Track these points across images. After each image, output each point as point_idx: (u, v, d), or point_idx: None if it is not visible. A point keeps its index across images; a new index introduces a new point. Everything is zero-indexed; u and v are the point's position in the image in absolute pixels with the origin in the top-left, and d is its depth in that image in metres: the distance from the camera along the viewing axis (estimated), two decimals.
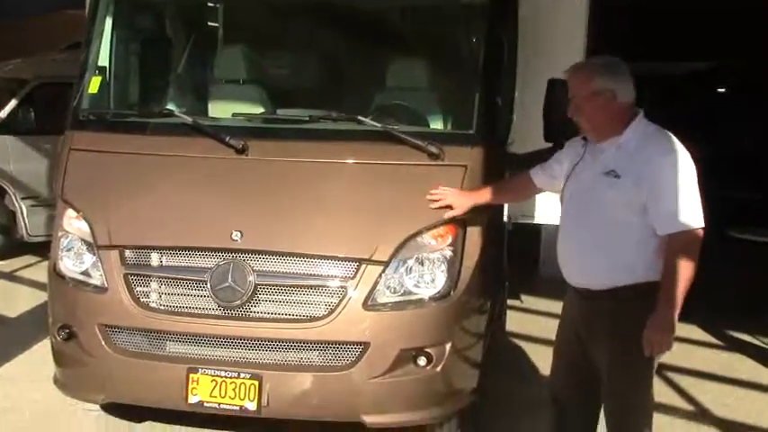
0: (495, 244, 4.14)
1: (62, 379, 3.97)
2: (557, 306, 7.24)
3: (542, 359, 5.69)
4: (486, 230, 3.90)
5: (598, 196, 3.15)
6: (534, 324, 6.41)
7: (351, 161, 3.86)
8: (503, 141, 4.40)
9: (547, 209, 7.03)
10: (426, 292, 3.65)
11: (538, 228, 7.55)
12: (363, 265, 3.59)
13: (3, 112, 8.44)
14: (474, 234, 3.82)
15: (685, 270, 2.99)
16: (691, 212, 3.01)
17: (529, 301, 7.10)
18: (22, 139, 8.36)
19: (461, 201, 3.68)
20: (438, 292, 3.66)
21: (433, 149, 3.75)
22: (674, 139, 3.12)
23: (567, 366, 3.45)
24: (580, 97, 3.17)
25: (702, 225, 3.04)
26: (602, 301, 3.18)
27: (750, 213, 9.94)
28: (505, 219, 5.05)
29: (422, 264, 3.67)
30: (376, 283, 3.58)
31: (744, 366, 5.78)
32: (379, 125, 3.85)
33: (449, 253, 3.69)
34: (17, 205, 8.36)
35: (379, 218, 3.70)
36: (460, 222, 3.75)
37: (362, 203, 3.74)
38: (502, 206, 4.66)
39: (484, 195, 3.74)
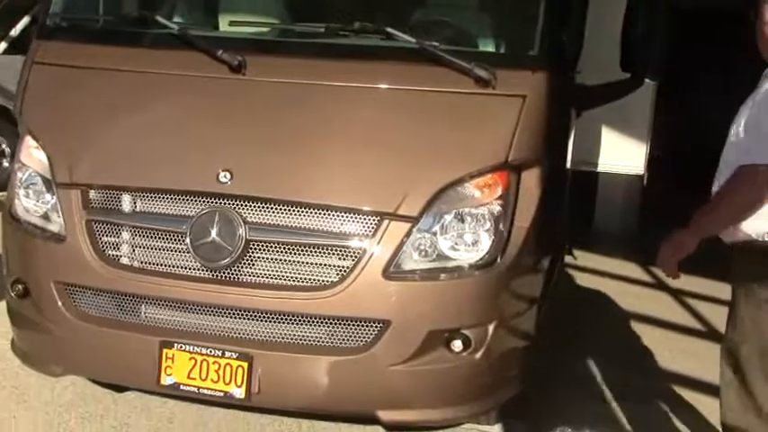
0: (555, 197, 3.36)
1: (19, 344, 3.35)
2: (611, 264, 6.65)
3: (593, 327, 5.03)
4: (544, 179, 3.14)
5: None
6: (588, 284, 5.82)
7: (375, 86, 3.10)
8: (571, 68, 3.58)
9: (611, 155, 6.31)
10: (466, 257, 2.92)
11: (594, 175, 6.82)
12: (386, 221, 2.85)
13: (14, 30, 7.95)
14: (530, 184, 3.08)
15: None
16: None
17: (582, 257, 6.39)
18: None
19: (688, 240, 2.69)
20: (481, 258, 2.92)
21: (482, 73, 2.97)
22: None
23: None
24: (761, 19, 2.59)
25: None
26: None
27: None
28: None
29: (462, 221, 2.93)
30: (401, 245, 2.85)
31: None
32: (413, 40, 3.07)
33: (497, 208, 2.95)
34: None
35: (408, 160, 2.95)
36: (514, 168, 3.01)
37: (387, 141, 3.00)
38: (565, 148, 3.84)
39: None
